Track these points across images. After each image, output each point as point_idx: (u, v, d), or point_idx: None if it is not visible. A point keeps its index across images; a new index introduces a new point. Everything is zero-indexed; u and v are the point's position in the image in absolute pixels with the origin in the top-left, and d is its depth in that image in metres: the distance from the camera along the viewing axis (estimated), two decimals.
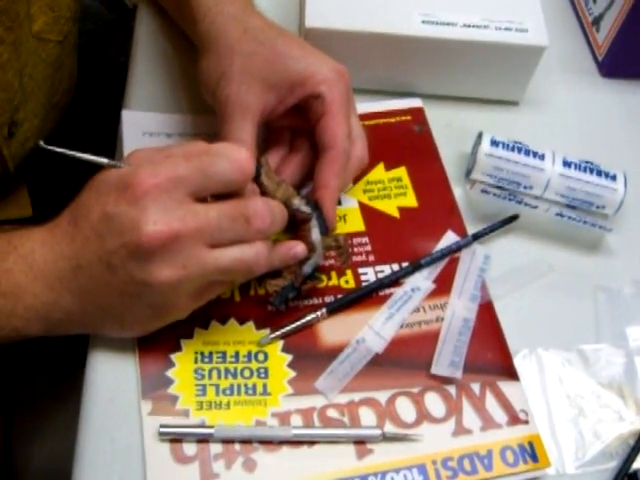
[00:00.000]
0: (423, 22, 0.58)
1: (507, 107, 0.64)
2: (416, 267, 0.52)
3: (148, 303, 0.44)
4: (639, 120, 0.66)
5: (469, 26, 0.59)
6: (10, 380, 0.84)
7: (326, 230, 0.50)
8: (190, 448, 0.44)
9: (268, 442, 0.45)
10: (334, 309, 0.50)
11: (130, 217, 0.42)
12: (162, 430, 0.44)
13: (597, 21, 0.68)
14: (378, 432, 0.45)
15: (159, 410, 0.45)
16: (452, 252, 0.53)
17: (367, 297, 0.51)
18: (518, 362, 0.50)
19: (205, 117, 0.59)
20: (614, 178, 0.56)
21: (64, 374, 0.87)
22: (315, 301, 0.51)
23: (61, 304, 0.45)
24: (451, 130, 0.61)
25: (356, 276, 0.52)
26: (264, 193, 0.50)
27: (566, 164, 0.56)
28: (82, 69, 0.75)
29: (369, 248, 0.54)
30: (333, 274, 0.52)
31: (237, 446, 0.45)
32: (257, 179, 0.49)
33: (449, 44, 0.59)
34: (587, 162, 0.57)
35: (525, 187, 0.56)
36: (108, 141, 0.61)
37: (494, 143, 0.56)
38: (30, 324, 0.46)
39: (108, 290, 0.44)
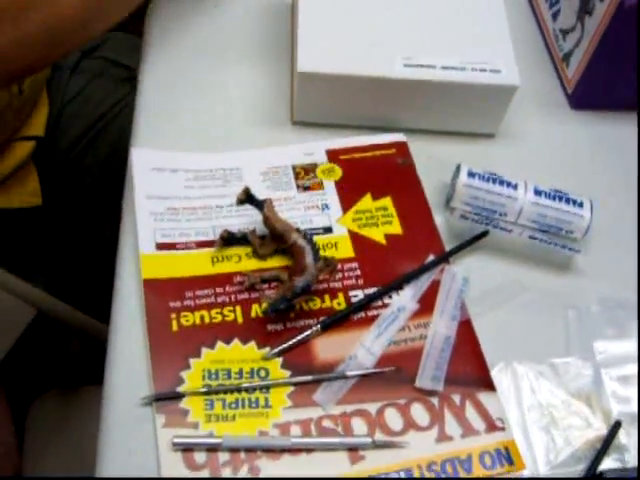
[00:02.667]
0: (405, 65, 0.64)
1: (483, 140, 0.69)
2: (398, 285, 0.58)
3: None
4: (606, 149, 0.71)
5: (447, 68, 0.64)
6: (21, 396, 0.89)
7: (317, 258, 0.56)
8: (200, 456, 0.49)
9: (270, 450, 0.50)
10: (327, 325, 0.55)
11: None
12: (175, 441, 0.49)
13: (567, 57, 0.74)
14: (369, 440, 0.51)
15: (172, 423, 0.50)
16: (427, 268, 0.59)
17: (358, 317, 0.56)
18: (495, 374, 0.55)
19: (207, 154, 0.64)
20: (581, 205, 0.62)
21: (72, 391, 0.92)
22: (310, 321, 0.56)
23: None
24: (432, 162, 0.66)
25: (347, 298, 0.57)
26: (267, 224, 0.56)
27: (537, 193, 0.62)
28: None
29: (358, 272, 0.59)
30: (326, 297, 0.57)
31: (242, 454, 0.50)
32: (262, 211, 0.55)
33: (429, 85, 0.64)
34: (557, 191, 0.62)
35: (500, 214, 0.62)
36: None
37: (471, 174, 0.62)
38: None
39: None
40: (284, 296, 0.54)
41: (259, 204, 0.58)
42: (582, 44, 0.70)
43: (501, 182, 0.62)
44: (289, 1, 0.77)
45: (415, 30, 0.67)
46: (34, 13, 0.57)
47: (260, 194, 0.59)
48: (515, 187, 0.62)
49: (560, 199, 0.62)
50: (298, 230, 0.57)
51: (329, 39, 0.65)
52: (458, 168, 0.63)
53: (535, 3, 0.82)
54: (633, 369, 0.56)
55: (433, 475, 0.50)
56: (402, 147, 0.67)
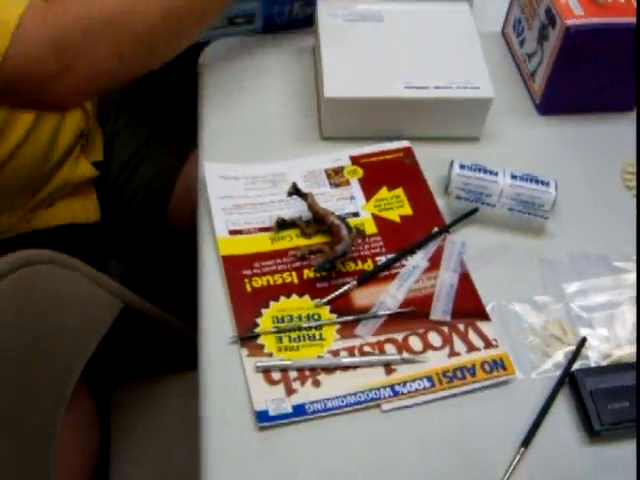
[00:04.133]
0: (406, 87, 0.83)
1: (471, 142, 0.89)
2: (411, 250, 0.77)
3: None
4: (568, 144, 0.90)
5: (438, 87, 0.84)
6: (102, 387, 1.05)
7: (350, 232, 0.75)
8: (276, 375, 0.68)
9: (326, 369, 0.68)
10: (362, 280, 0.74)
11: None
12: (258, 364, 0.68)
13: (533, 75, 0.93)
14: (398, 357, 0.69)
15: (253, 354, 0.69)
16: (432, 238, 0.78)
17: (383, 275, 0.75)
18: (489, 310, 0.73)
19: (259, 164, 0.83)
20: (548, 184, 0.80)
21: (152, 381, 1.08)
22: (349, 279, 0.74)
23: None
24: (432, 160, 0.85)
25: (374, 262, 0.76)
26: (311, 210, 0.75)
27: (513, 177, 0.80)
28: None
29: (381, 243, 0.78)
30: (359, 262, 0.76)
31: (307, 372, 0.68)
32: (306, 201, 0.75)
33: (425, 101, 0.84)
34: (528, 174, 0.81)
35: (486, 195, 0.80)
36: None
37: (462, 167, 0.81)
38: None
39: None
40: (329, 258, 0.73)
41: (304, 195, 0.77)
42: (543, 63, 0.90)
43: (485, 171, 0.81)
44: (311, 44, 0.97)
45: (412, 60, 0.87)
46: (128, 28, 0.72)
47: (303, 190, 0.78)
48: (496, 174, 0.81)
49: (531, 180, 0.80)
50: (334, 214, 0.77)
51: (347, 71, 0.85)
52: (452, 163, 0.82)
53: (507, 35, 1.02)
54: (593, 300, 0.75)
55: (447, 379, 0.68)
56: (408, 151, 0.86)
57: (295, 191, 0.77)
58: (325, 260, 0.73)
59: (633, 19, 0.85)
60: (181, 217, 1.13)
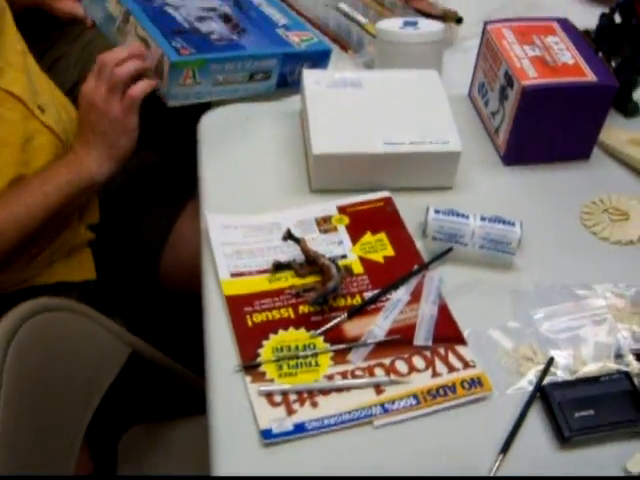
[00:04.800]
0: (385, 144, 0.94)
1: (444, 191, 0.99)
2: (395, 286, 0.86)
3: None
4: (530, 190, 1.00)
5: (413, 143, 0.94)
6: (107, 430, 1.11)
7: (339, 270, 0.84)
8: (278, 398, 0.75)
9: (323, 391, 0.76)
10: (352, 314, 0.82)
11: None
12: (261, 389, 0.76)
13: (497, 131, 1.04)
14: (387, 379, 0.77)
15: (256, 380, 0.77)
16: (412, 275, 0.87)
17: (370, 308, 0.84)
18: (466, 335, 0.82)
19: (255, 215, 0.93)
20: (514, 224, 0.90)
21: (158, 425, 1.14)
22: (340, 313, 0.83)
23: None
24: (410, 208, 0.95)
25: (362, 297, 0.85)
26: (304, 253, 0.84)
27: (482, 219, 0.90)
28: None
29: (368, 281, 0.87)
30: (348, 297, 0.85)
31: (305, 394, 0.76)
32: (299, 245, 0.84)
33: (402, 155, 0.94)
34: (496, 216, 0.91)
35: (459, 236, 0.90)
36: None
37: (437, 212, 0.91)
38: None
39: None
40: (322, 294, 0.82)
41: (297, 240, 0.87)
42: (505, 120, 1.01)
43: (457, 214, 0.90)
44: (298, 108, 1.08)
45: (389, 119, 0.98)
46: None
47: (296, 236, 0.87)
48: (467, 217, 0.90)
49: (499, 221, 0.90)
50: (324, 256, 0.86)
51: (331, 130, 0.95)
52: (428, 209, 0.91)
53: (473, 96, 1.13)
54: (558, 324, 0.84)
55: (430, 397, 0.76)
56: (388, 200, 0.96)
57: (289, 236, 0.86)
58: (318, 295, 0.82)
59: (581, 78, 0.96)
60: (172, 272, 1.21)
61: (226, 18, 1.11)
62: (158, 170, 1.28)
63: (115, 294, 1.20)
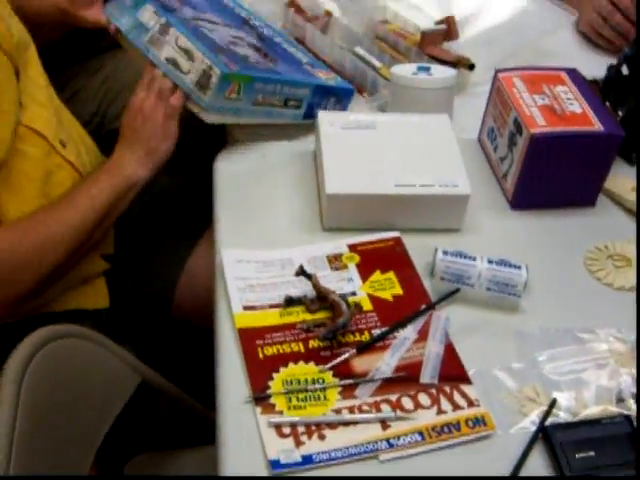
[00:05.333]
0: (396, 185, 0.97)
1: (452, 233, 1.01)
2: (403, 324, 0.88)
3: None
4: (537, 234, 1.03)
5: (423, 185, 0.97)
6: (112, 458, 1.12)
7: (349, 307, 0.86)
8: (287, 430, 0.77)
9: (331, 424, 0.78)
10: (360, 349, 0.85)
11: None
12: (271, 421, 0.78)
13: (505, 175, 1.07)
14: (393, 415, 0.79)
15: (266, 412, 0.79)
16: (420, 314, 0.89)
17: (379, 345, 0.86)
18: (471, 374, 0.84)
19: (268, 251, 0.96)
20: (520, 268, 0.92)
21: (163, 454, 1.16)
22: (349, 348, 0.85)
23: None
24: (419, 248, 0.97)
25: (370, 334, 0.87)
26: (315, 289, 0.87)
27: (489, 261, 0.93)
28: None
29: (376, 319, 0.89)
30: (357, 334, 0.87)
31: (313, 427, 0.78)
32: (311, 281, 0.87)
33: (412, 197, 0.97)
34: (503, 259, 0.93)
35: (466, 277, 0.92)
36: None
37: (445, 253, 0.93)
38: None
39: None
40: (332, 329, 0.84)
41: (309, 276, 0.89)
42: (513, 166, 1.04)
43: (465, 256, 0.93)
44: (312, 148, 1.11)
45: (401, 162, 1.01)
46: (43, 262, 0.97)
47: (308, 272, 0.90)
48: (474, 259, 0.93)
49: (505, 264, 0.92)
50: (335, 292, 0.88)
51: (345, 171, 0.99)
52: (436, 250, 0.94)
53: (482, 141, 1.17)
54: (561, 367, 0.86)
55: (435, 434, 0.78)
56: (398, 240, 0.99)
57: (301, 272, 0.89)
58: (328, 331, 0.84)
59: (588, 127, 0.99)
60: (186, 303, 1.24)
61: (255, 48, 1.15)
62: (174, 201, 1.31)
63: (127, 322, 1.22)
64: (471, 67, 1.24)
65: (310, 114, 1.15)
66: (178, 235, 1.26)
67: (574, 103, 1.03)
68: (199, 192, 1.16)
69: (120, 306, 1.19)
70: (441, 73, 1.12)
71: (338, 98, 1.16)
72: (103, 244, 1.17)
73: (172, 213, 1.29)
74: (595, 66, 1.35)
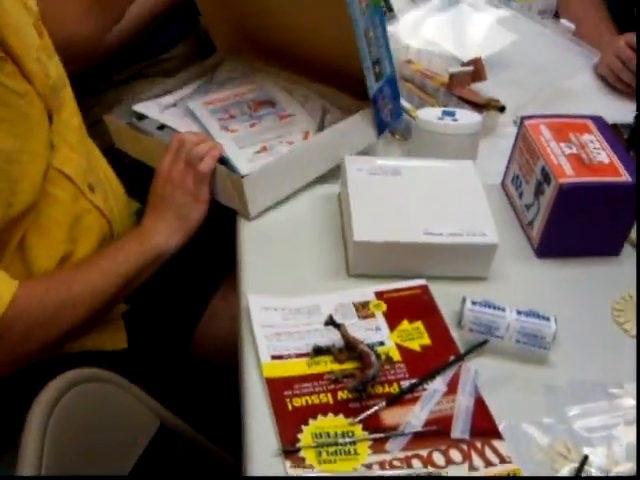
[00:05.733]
0: (424, 234, 0.97)
1: (479, 281, 1.01)
2: (432, 376, 0.87)
3: None
4: (563, 283, 1.03)
5: (451, 234, 0.97)
6: None
7: (378, 358, 0.86)
8: None
9: None
10: (390, 402, 0.84)
11: None
12: (302, 475, 0.77)
13: (531, 222, 1.07)
14: (424, 471, 0.78)
15: (296, 465, 0.78)
16: (449, 366, 0.88)
17: (408, 397, 0.85)
18: (501, 429, 0.83)
19: (295, 298, 0.95)
20: (549, 319, 0.92)
21: None
22: (378, 400, 0.84)
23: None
24: (445, 296, 0.97)
25: (399, 386, 0.86)
26: (344, 339, 0.86)
27: (518, 312, 0.92)
28: None
29: (405, 370, 0.88)
30: (386, 385, 0.86)
31: None
32: (340, 330, 0.86)
33: (441, 246, 0.97)
34: (531, 310, 0.93)
35: (495, 328, 0.92)
36: None
37: (473, 303, 0.93)
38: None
39: None
40: (362, 381, 0.83)
41: (338, 326, 0.89)
42: (540, 214, 1.04)
43: (494, 307, 0.93)
44: (336, 192, 1.11)
45: (427, 208, 1.01)
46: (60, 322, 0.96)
47: (337, 321, 0.89)
48: (503, 309, 0.92)
49: (534, 315, 0.92)
50: (363, 342, 0.88)
51: (372, 218, 0.98)
52: (464, 299, 0.93)
53: (506, 187, 1.16)
54: (592, 422, 0.85)
55: None
56: (425, 288, 0.98)
57: (331, 322, 0.88)
58: (358, 382, 0.83)
59: (616, 178, 0.99)
60: (206, 344, 1.23)
61: None
62: (195, 244, 1.30)
63: (145, 362, 1.21)
64: (502, 109, 1.25)
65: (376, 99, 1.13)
66: (200, 274, 1.25)
67: (601, 152, 1.03)
68: (222, 231, 1.15)
69: (138, 346, 1.19)
70: (466, 119, 1.12)
71: (394, 109, 1.16)
72: None
73: (193, 256, 1.29)
74: (614, 109, 1.37)
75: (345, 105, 1.18)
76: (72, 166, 1.03)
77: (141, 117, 1.23)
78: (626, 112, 1.38)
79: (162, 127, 1.21)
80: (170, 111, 1.25)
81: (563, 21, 1.44)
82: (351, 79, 1.10)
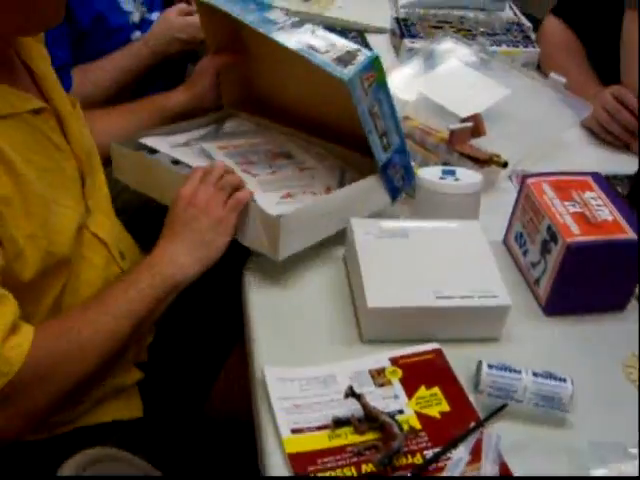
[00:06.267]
0: (437, 297, 0.97)
1: (491, 342, 1.01)
2: (454, 444, 0.86)
3: None
4: (573, 341, 1.03)
5: (463, 297, 0.97)
6: None
7: (401, 429, 0.85)
8: None
9: None
10: (415, 473, 0.83)
11: None
12: None
13: (537, 280, 1.08)
14: None
15: None
16: (470, 432, 0.87)
17: (432, 467, 0.84)
18: None
19: (311, 367, 0.94)
20: (565, 380, 0.92)
21: None
22: (403, 472, 0.83)
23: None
24: (459, 359, 0.96)
25: (422, 456, 0.85)
26: (364, 409, 0.85)
27: (534, 374, 0.92)
28: None
29: (426, 439, 0.87)
30: (409, 456, 0.85)
31: None
32: (360, 401, 0.85)
33: (453, 309, 0.97)
34: (547, 372, 0.92)
35: (512, 391, 0.91)
36: None
37: (489, 366, 0.92)
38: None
39: None
40: (388, 454, 0.82)
41: (358, 396, 0.88)
42: (547, 272, 1.04)
43: (510, 370, 0.92)
44: (340, 254, 1.11)
45: (437, 271, 1.01)
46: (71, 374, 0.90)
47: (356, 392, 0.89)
48: (519, 372, 0.92)
49: (550, 377, 0.92)
50: (384, 412, 0.87)
51: (383, 283, 0.98)
52: (480, 363, 0.93)
53: (509, 244, 1.17)
54: None
55: None
56: (439, 352, 0.98)
57: (351, 393, 0.88)
58: (384, 456, 0.82)
59: (622, 236, 1.01)
60: (220, 405, 1.22)
61: None
62: (205, 310, 1.29)
63: (161, 430, 1.19)
64: (504, 165, 1.26)
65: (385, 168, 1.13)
66: (210, 344, 1.24)
67: (604, 210, 1.05)
68: (231, 295, 1.14)
69: (153, 413, 1.17)
70: (468, 178, 1.13)
71: (405, 174, 1.16)
72: (137, 352, 1.15)
73: (204, 323, 1.28)
74: (605, 161, 1.39)
75: (361, 164, 1.18)
76: (106, 231, 1.03)
77: (151, 152, 1.20)
78: (617, 164, 1.41)
79: (176, 162, 1.18)
80: (182, 150, 1.22)
81: (553, 75, 1.47)
82: (364, 140, 1.10)
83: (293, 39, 1.06)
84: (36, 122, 0.94)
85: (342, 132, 1.18)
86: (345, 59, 1.01)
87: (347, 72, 1.00)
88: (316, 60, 1.02)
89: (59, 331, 0.92)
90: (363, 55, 1.02)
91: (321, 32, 1.07)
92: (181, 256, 1.00)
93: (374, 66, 1.03)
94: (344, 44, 1.05)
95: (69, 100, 1.05)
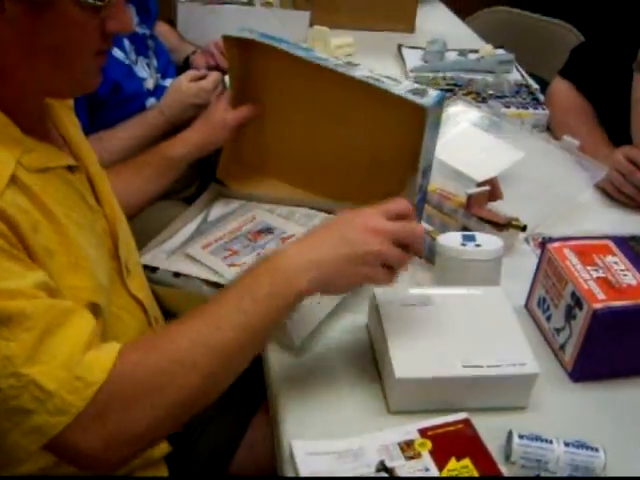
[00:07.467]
0: (464, 366, 0.96)
1: (518, 410, 1.00)
2: None
3: None
4: (603, 408, 1.02)
5: (491, 366, 0.96)
6: None
7: None
8: None
9: None
10: None
11: None
12: None
13: (562, 347, 1.07)
14: None
15: None
16: None
17: None
18: None
19: (340, 440, 0.93)
20: (597, 450, 0.91)
21: None
22: None
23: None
24: (487, 428, 0.94)
25: None
26: None
27: (566, 444, 0.91)
28: None
29: None
30: None
31: None
32: (392, 476, 0.84)
33: (481, 378, 0.96)
34: (578, 441, 0.91)
35: (544, 462, 0.90)
36: None
37: (521, 437, 0.91)
38: None
39: None
40: None
41: (389, 470, 0.86)
42: (572, 338, 1.04)
43: (542, 440, 0.91)
44: (364, 322, 1.11)
45: (463, 339, 1.00)
46: (168, 390, 0.80)
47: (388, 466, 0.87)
48: (551, 442, 0.91)
49: (582, 447, 0.91)
50: None
51: (410, 352, 0.97)
52: (510, 433, 0.92)
53: (531, 309, 1.17)
54: None
55: None
56: (467, 422, 0.96)
57: (383, 468, 0.86)
58: None
59: None
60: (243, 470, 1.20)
61: None
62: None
63: None
64: (523, 229, 1.26)
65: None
66: (233, 410, 1.23)
67: (627, 274, 1.04)
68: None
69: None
70: (489, 243, 1.13)
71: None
72: None
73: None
74: (621, 222, 1.40)
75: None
76: (144, 294, 1.04)
77: (152, 269, 1.23)
78: (633, 225, 1.42)
79: (177, 275, 1.21)
80: (176, 257, 1.26)
81: (566, 137, 1.49)
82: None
83: (357, 73, 1.10)
84: (72, 179, 0.95)
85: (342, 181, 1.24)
86: (419, 92, 1.06)
87: (426, 101, 1.05)
88: (396, 90, 1.07)
89: (153, 344, 0.84)
90: (434, 91, 1.08)
91: (378, 72, 1.11)
92: (314, 269, 0.86)
93: (441, 103, 1.08)
94: (408, 82, 1.10)
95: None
